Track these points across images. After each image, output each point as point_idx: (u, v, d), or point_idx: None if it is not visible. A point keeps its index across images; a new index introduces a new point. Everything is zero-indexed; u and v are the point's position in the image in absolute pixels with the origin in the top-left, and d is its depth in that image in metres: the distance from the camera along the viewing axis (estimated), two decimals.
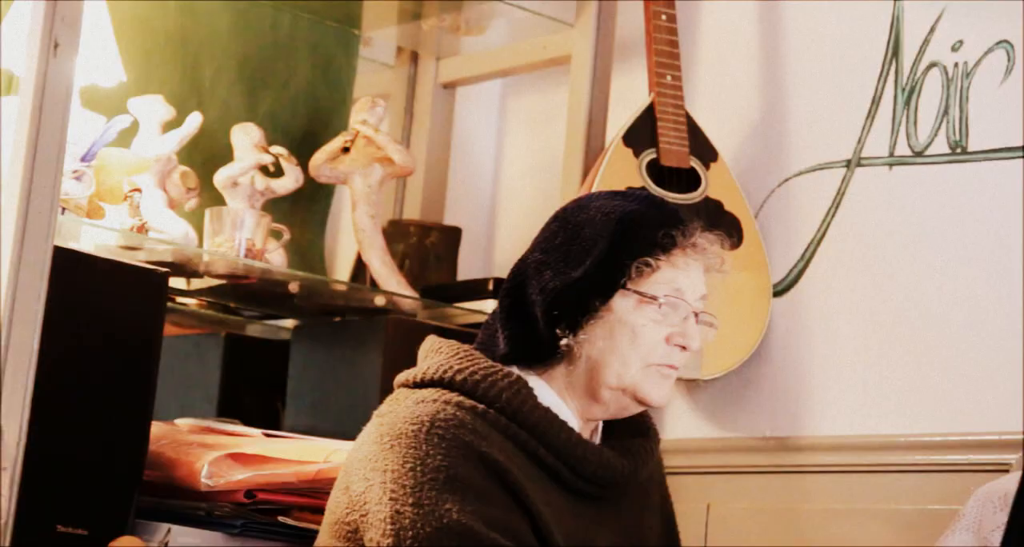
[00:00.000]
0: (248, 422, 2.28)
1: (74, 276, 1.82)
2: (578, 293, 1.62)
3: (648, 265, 1.62)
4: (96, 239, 2.02)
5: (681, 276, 1.64)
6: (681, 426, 2.37)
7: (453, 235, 2.66)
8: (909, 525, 2.14)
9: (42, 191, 1.74)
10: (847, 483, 2.24)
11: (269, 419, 2.44)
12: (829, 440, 2.27)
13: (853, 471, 2.24)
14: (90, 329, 1.86)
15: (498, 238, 2.85)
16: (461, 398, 1.59)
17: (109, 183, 2.00)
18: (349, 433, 2.13)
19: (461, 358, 1.65)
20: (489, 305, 2.39)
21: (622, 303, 1.62)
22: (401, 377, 1.70)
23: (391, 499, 1.51)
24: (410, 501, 1.50)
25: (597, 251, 1.62)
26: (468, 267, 2.72)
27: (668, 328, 1.64)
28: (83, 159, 1.94)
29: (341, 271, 2.72)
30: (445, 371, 1.63)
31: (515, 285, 1.68)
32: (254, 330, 2.67)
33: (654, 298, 1.62)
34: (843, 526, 2.22)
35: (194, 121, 2.13)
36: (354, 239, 2.56)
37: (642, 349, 1.63)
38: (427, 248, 2.60)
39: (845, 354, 2.28)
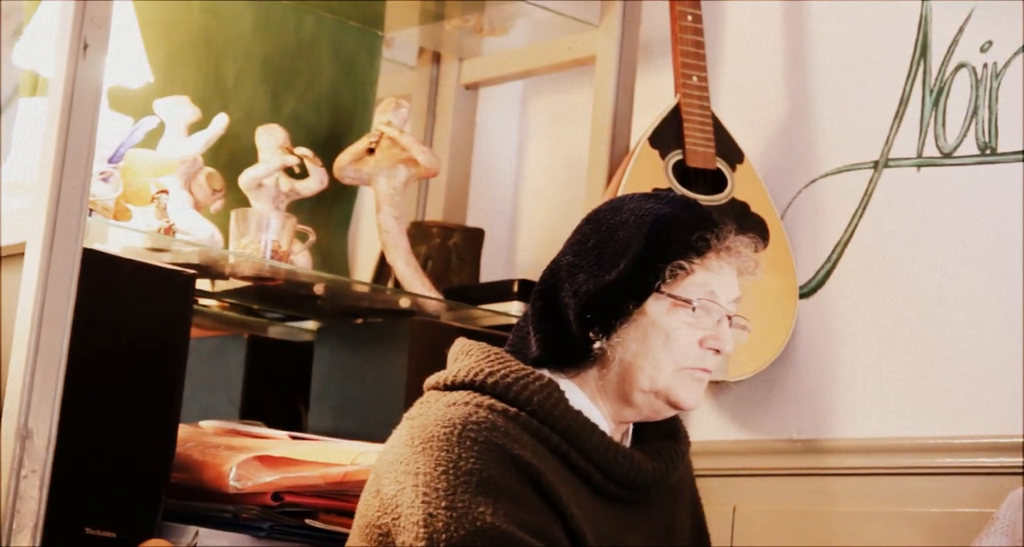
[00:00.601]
0: (271, 424, 2.28)
1: (102, 278, 1.82)
2: (612, 296, 1.61)
3: (682, 268, 1.61)
4: (123, 241, 2.01)
5: (715, 279, 1.64)
6: (707, 428, 2.36)
7: (476, 236, 2.65)
8: (936, 528, 2.13)
9: (71, 193, 1.74)
10: (874, 486, 2.23)
11: (291, 421, 2.44)
12: (856, 442, 2.26)
13: (880, 474, 2.23)
14: (117, 331, 1.86)
15: (520, 239, 2.84)
16: (492, 401, 1.59)
17: (136, 185, 1.99)
18: (373, 435, 2.14)
19: (492, 361, 1.64)
20: (514, 307, 2.39)
21: (656, 306, 1.62)
22: (431, 380, 1.70)
23: (424, 502, 1.50)
24: (443, 504, 1.49)
25: (631, 254, 1.61)
26: (490, 268, 2.71)
27: (701, 331, 1.63)
28: (110, 160, 1.93)
29: (362, 272, 2.71)
30: (476, 374, 1.62)
31: (547, 288, 1.67)
32: (276, 332, 2.67)
33: (688, 301, 1.62)
34: (869, 529, 2.20)
35: (220, 122, 2.13)
36: (375, 240, 2.56)
37: (675, 352, 1.62)
38: (449, 249, 2.60)
39: (872, 356, 2.27)
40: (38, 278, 1.71)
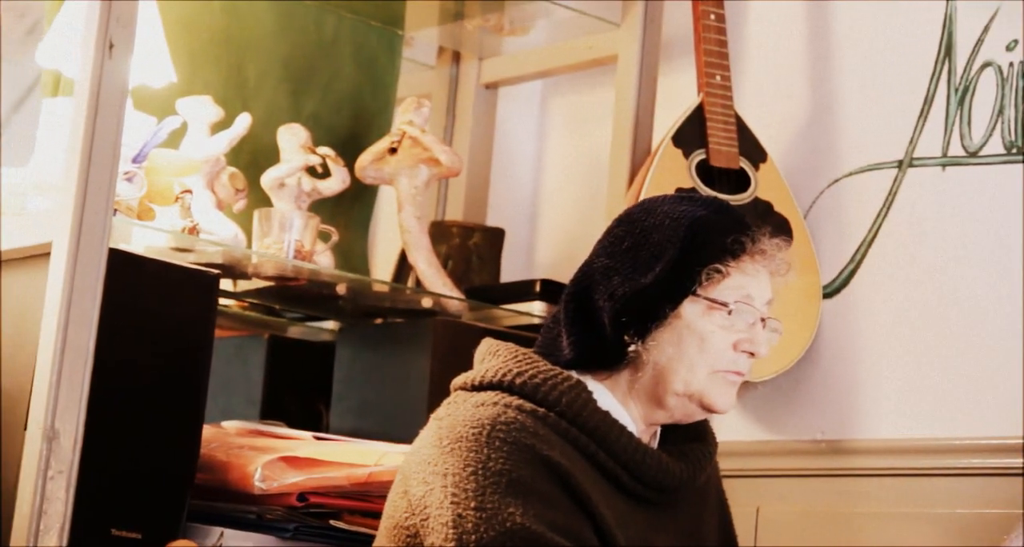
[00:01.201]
0: (291, 424, 2.28)
1: (127, 278, 1.81)
2: (648, 299, 1.60)
3: (718, 271, 1.61)
4: (145, 241, 2.01)
5: (750, 282, 1.63)
6: (731, 429, 2.34)
7: (496, 236, 2.64)
8: (963, 530, 2.12)
9: (97, 193, 1.74)
10: (899, 487, 2.22)
11: (311, 421, 2.43)
12: (881, 443, 2.25)
13: (905, 475, 2.21)
14: (142, 332, 1.85)
15: (539, 239, 2.84)
16: (521, 401, 1.58)
17: (159, 184, 1.99)
18: (396, 435, 2.13)
19: (519, 361, 1.64)
20: (536, 307, 2.38)
21: (691, 309, 1.61)
22: (459, 380, 1.69)
23: (452, 503, 1.50)
24: (472, 505, 1.48)
25: (667, 257, 1.61)
26: (510, 268, 2.70)
27: (736, 334, 1.62)
28: (134, 160, 1.93)
29: (381, 273, 2.71)
30: (504, 374, 1.61)
31: (580, 290, 1.67)
32: (295, 332, 2.66)
33: (724, 304, 1.61)
34: (895, 530, 2.19)
35: (244, 122, 2.12)
36: (394, 240, 2.55)
37: (710, 355, 1.61)
38: (470, 249, 2.59)
39: (897, 356, 2.26)
40: (64, 278, 1.70)
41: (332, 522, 1.94)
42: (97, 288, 1.73)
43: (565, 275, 2.45)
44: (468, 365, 1.73)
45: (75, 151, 1.73)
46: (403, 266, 2.56)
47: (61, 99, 2.03)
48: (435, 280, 2.33)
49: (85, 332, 1.71)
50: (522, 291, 2.43)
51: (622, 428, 1.61)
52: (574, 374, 1.63)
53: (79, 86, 1.77)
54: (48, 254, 1.76)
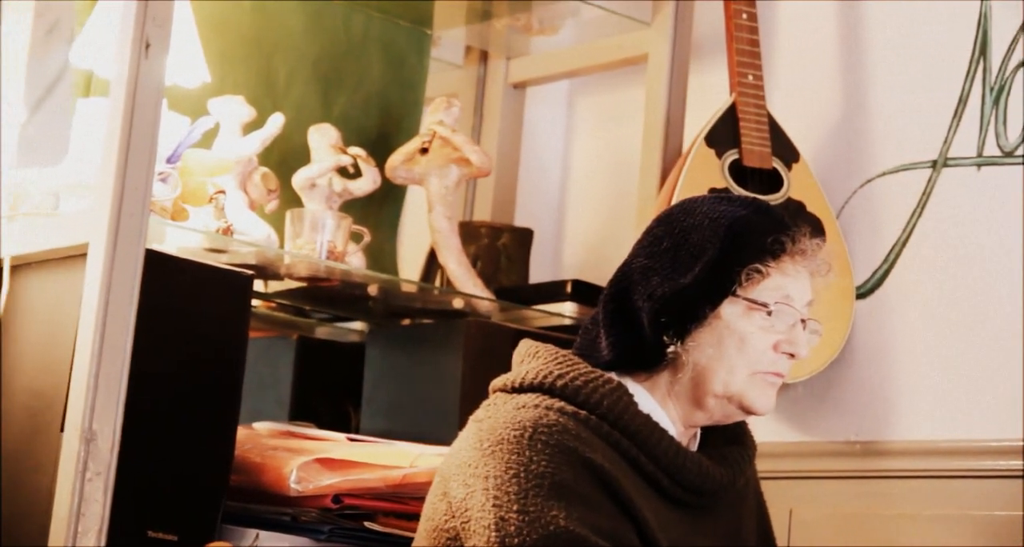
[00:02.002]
0: (320, 426, 2.27)
1: (162, 279, 1.81)
2: (687, 299, 1.59)
3: (758, 272, 1.59)
4: (178, 241, 2.00)
5: (790, 283, 1.62)
6: (764, 429, 2.31)
7: (524, 236, 2.63)
8: (998, 532, 2.11)
9: (134, 193, 1.73)
10: (933, 488, 2.21)
11: (340, 423, 2.42)
12: (914, 444, 2.24)
13: (940, 476, 2.20)
14: (176, 333, 1.85)
15: (567, 239, 2.83)
16: (562, 403, 1.57)
17: (192, 185, 1.98)
18: (428, 436, 2.12)
19: (560, 363, 1.63)
20: (568, 307, 2.37)
21: (731, 310, 1.60)
22: (498, 382, 1.68)
23: (495, 506, 1.49)
24: (515, 508, 1.47)
25: (707, 257, 1.59)
26: (537, 268, 2.69)
27: (776, 335, 1.61)
28: (168, 160, 1.92)
29: (408, 273, 2.70)
30: (545, 376, 1.60)
31: (619, 291, 1.65)
32: (322, 332, 2.65)
33: (764, 305, 1.60)
34: (928, 532, 2.18)
35: (276, 122, 2.11)
36: (420, 241, 2.54)
37: (750, 357, 1.60)
38: (498, 250, 2.58)
39: (931, 357, 2.24)
40: (102, 279, 1.70)
41: (366, 524, 1.94)
42: (134, 289, 1.72)
43: (593, 275, 2.46)
44: (500, 366, 1.72)
45: (112, 151, 1.73)
46: (431, 267, 2.56)
47: (95, 99, 2.02)
48: (466, 281, 2.32)
49: (122, 333, 1.71)
50: (553, 292, 2.42)
51: (663, 432, 1.60)
52: (614, 376, 1.62)
53: (115, 86, 1.76)
54: (83, 255, 1.75)
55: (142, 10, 1.74)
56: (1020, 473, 2.11)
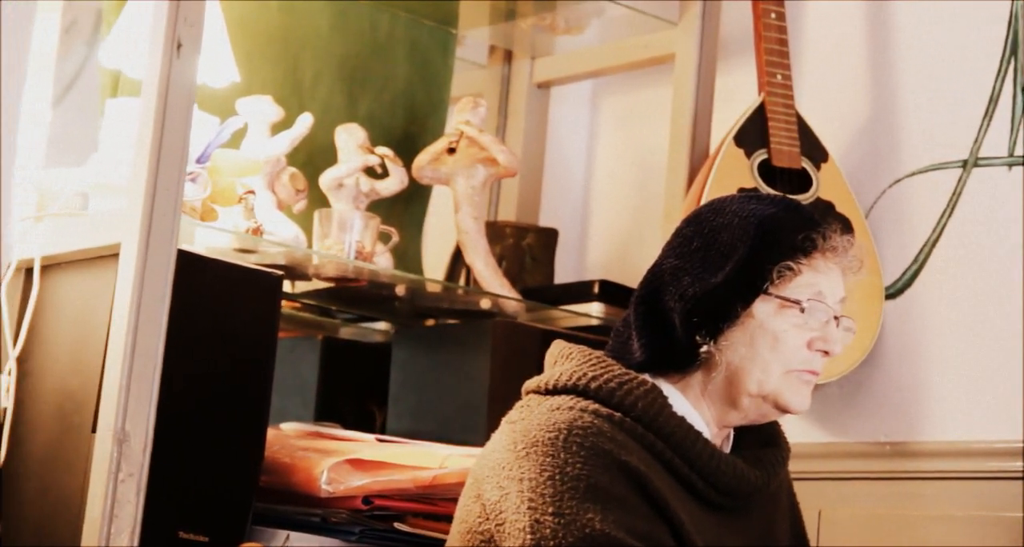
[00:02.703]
0: (345, 426, 2.26)
1: (192, 280, 1.80)
2: (718, 299, 1.58)
3: (790, 269, 1.58)
4: (208, 242, 1.99)
5: (822, 279, 1.61)
6: (793, 430, 2.29)
7: (550, 236, 2.63)
8: None
9: (166, 193, 1.73)
10: (963, 489, 2.20)
11: (366, 423, 2.42)
12: (945, 445, 2.23)
13: (970, 477, 2.19)
14: (207, 333, 1.84)
15: (592, 239, 2.82)
16: (597, 405, 1.56)
17: (221, 185, 1.98)
18: (455, 437, 2.12)
19: (593, 365, 1.62)
20: (595, 308, 2.36)
21: (763, 308, 1.59)
22: (531, 383, 1.67)
23: (530, 508, 1.48)
24: (550, 510, 1.46)
25: (737, 256, 1.59)
26: (562, 268, 2.68)
27: (809, 333, 1.60)
28: (198, 161, 1.92)
29: (433, 273, 2.69)
30: (579, 378, 1.59)
31: (650, 292, 1.64)
32: (346, 333, 2.65)
33: (797, 302, 1.59)
34: (959, 533, 2.17)
35: (305, 122, 2.11)
36: (444, 241, 2.54)
37: (784, 355, 1.59)
38: (524, 250, 2.57)
39: (960, 358, 2.23)
40: (134, 280, 1.69)
41: (396, 525, 1.93)
42: (166, 289, 1.72)
43: (618, 275, 2.46)
44: (528, 367, 1.72)
45: (144, 151, 1.72)
46: (456, 267, 2.55)
47: (124, 99, 2.02)
48: (493, 281, 2.31)
49: (155, 334, 1.70)
50: (580, 292, 2.41)
51: (698, 434, 1.59)
52: (647, 377, 1.61)
53: (147, 86, 1.76)
54: (114, 255, 1.75)
55: (174, 10, 1.74)
56: None
